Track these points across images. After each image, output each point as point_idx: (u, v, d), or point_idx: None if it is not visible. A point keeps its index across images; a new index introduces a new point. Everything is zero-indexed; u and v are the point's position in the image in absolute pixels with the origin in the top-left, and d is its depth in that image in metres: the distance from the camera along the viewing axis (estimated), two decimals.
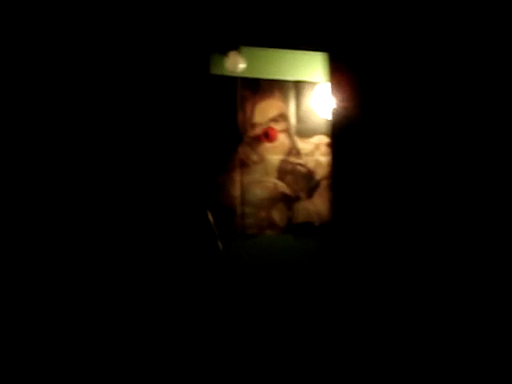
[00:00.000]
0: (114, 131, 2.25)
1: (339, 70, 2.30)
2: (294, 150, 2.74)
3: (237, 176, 2.61)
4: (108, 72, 2.34)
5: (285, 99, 2.73)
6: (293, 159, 2.73)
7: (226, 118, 2.63)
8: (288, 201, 2.71)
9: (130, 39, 2.37)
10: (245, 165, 2.64)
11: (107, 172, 2.19)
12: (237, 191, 2.60)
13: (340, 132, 2.37)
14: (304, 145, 2.76)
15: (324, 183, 2.78)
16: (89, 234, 2.09)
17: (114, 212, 2.14)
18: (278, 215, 2.67)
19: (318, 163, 2.77)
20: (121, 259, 2.08)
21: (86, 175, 2.15)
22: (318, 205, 2.77)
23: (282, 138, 2.72)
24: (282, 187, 2.70)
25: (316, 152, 2.78)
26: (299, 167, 2.74)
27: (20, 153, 1.96)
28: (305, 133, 2.77)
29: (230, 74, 2.60)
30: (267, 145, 2.67)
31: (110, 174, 2.18)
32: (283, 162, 2.71)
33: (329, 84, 2.12)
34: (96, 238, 2.11)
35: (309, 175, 2.76)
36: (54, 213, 2.03)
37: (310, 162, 2.77)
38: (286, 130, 2.73)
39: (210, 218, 2.31)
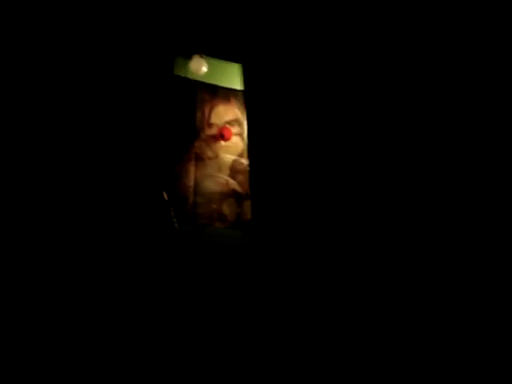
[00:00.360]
0: (85, 125, 2.38)
1: (252, 79, 2.64)
2: (246, 153, 2.95)
3: (191, 168, 2.74)
4: (82, 68, 2.51)
5: (240, 107, 2.98)
6: (245, 161, 2.92)
7: (186, 115, 2.81)
8: (238, 198, 2.85)
9: (104, 41, 2.59)
10: (200, 159, 2.79)
11: (78, 161, 2.28)
12: (190, 181, 2.71)
13: (256, 134, 2.65)
14: None
15: None
16: (51, 215, 2.11)
17: (79, 197, 2.19)
18: (228, 209, 2.79)
19: None
20: (84, 241, 2.11)
21: (52, 164, 2.21)
22: None
23: (236, 140, 2.92)
24: (233, 184, 2.85)
25: None
26: None
27: None
28: None
29: (192, 76, 2.83)
30: (222, 144, 2.86)
31: (80, 163, 2.27)
32: (236, 161, 2.89)
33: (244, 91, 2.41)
34: (60, 220, 2.13)
35: None
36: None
37: None
38: (240, 134, 2.95)
39: (165, 197, 2.38)
